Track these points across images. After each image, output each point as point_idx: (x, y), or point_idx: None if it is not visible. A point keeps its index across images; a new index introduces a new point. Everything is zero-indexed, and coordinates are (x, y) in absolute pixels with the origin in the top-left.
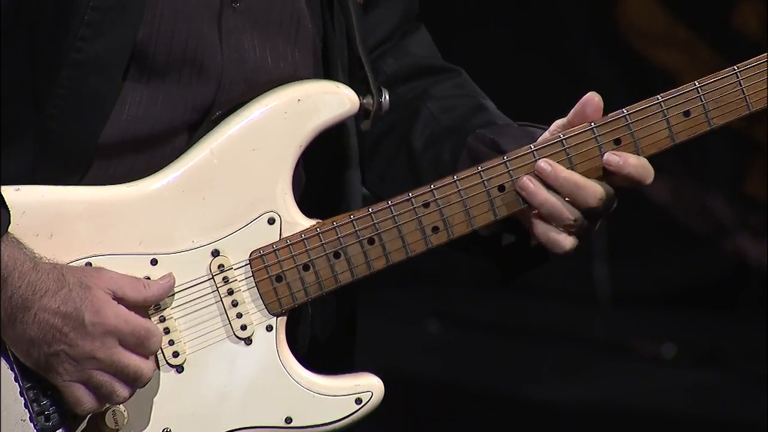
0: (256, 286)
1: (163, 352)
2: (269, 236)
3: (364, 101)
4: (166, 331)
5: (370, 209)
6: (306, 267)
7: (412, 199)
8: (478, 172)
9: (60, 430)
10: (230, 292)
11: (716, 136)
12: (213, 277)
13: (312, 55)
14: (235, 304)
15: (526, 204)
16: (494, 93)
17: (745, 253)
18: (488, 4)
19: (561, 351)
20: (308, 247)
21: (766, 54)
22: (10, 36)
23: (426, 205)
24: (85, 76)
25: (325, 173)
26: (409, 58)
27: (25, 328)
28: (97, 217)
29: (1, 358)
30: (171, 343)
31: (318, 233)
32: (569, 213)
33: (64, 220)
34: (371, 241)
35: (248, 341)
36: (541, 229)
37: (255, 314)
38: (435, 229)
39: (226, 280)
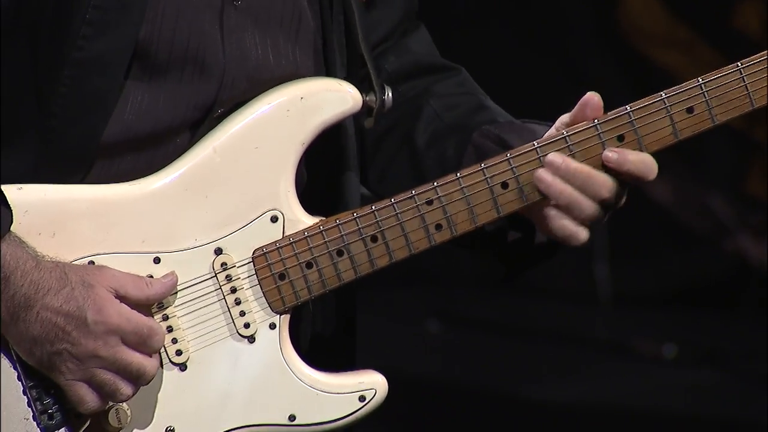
0: (259, 284)
1: (166, 351)
2: (272, 234)
3: (367, 98)
4: (169, 329)
5: (373, 207)
6: (309, 265)
7: (415, 197)
8: (481, 170)
9: (63, 428)
10: (233, 290)
11: (717, 136)
12: (216, 275)
13: (313, 52)
14: (238, 302)
15: (542, 196)
16: (495, 92)
17: (746, 253)
18: (488, 3)
19: (561, 351)
20: (311, 245)
21: None
22: (10, 35)
23: (429, 202)
24: (87, 74)
25: (322, 173)
26: (410, 56)
27: (27, 327)
28: (99, 216)
29: (4, 357)
30: (174, 341)
31: (321, 231)
32: (588, 202)
33: (67, 219)
34: (374, 238)
35: (251, 339)
36: (559, 222)
37: (258, 312)
38: (438, 227)
39: (229, 278)
